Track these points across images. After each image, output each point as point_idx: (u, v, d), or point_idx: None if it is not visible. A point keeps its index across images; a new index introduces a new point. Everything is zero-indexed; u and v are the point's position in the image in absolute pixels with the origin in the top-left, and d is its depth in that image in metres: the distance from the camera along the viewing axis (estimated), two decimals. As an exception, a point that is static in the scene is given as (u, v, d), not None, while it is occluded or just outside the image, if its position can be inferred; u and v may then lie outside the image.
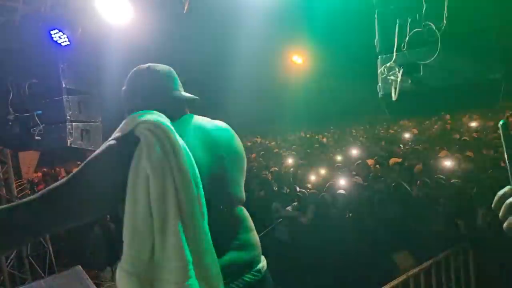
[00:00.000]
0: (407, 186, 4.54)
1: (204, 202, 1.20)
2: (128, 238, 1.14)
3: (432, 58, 1.73)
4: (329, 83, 19.27)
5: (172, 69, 1.53)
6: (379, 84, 1.99)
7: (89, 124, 3.89)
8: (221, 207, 1.32)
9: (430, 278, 3.60)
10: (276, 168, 7.76)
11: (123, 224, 1.16)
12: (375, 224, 4.11)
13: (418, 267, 3.54)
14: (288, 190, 5.91)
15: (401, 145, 8.77)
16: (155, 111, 1.29)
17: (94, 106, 4.00)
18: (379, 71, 1.97)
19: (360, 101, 18.76)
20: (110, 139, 1.25)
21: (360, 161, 6.88)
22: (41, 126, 3.66)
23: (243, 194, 1.45)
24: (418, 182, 4.53)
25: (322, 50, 17.64)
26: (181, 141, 1.22)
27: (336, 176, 6.03)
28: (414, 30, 1.79)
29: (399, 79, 1.81)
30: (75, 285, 2.87)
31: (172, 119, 1.30)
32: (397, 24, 1.87)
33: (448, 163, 5.13)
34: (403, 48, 1.85)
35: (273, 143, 16.02)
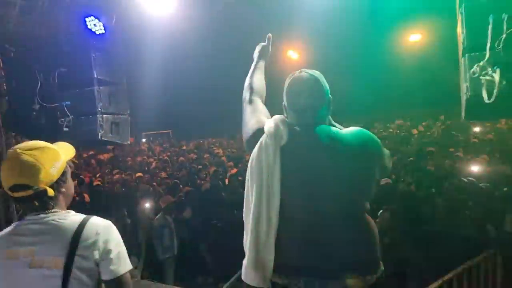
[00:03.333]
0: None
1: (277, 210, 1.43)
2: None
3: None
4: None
5: (319, 80, 1.58)
6: (467, 84, 1.92)
7: (118, 116, 3.74)
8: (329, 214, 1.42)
9: (462, 284, 3.62)
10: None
11: None
12: (404, 227, 4.11)
13: (452, 272, 3.55)
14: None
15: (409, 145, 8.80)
16: (280, 117, 1.55)
17: (122, 98, 3.85)
18: (471, 71, 1.89)
19: (353, 99, 18.95)
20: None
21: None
22: (70, 117, 3.50)
23: (357, 206, 1.47)
24: (447, 184, 4.55)
25: (318, 45, 17.62)
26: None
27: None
28: (512, 29, 1.72)
29: (497, 80, 1.75)
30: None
31: (305, 126, 1.52)
32: (491, 20, 1.79)
33: (474, 165, 5.17)
34: (498, 46, 1.78)
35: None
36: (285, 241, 1.43)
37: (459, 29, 2.06)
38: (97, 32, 3.34)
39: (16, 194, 1.27)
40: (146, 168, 9.22)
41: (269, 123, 1.52)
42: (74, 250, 1.26)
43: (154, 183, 7.21)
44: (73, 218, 1.33)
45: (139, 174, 7.63)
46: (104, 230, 1.32)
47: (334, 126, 1.60)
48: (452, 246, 3.91)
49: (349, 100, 18.64)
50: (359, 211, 1.48)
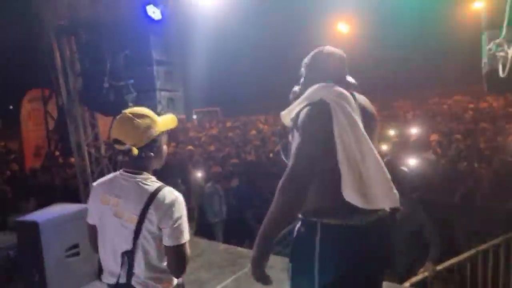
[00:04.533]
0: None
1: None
2: (345, 167, 1.57)
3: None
4: (375, 53, 18.34)
5: (344, 56, 1.82)
6: (485, 60, 2.03)
7: (173, 93, 4.21)
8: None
9: (499, 254, 3.67)
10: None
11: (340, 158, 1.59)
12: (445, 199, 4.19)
13: (488, 243, 3.62)
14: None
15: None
16: (335, 84, 1.68)
17: (177, 77, 4.30)
18: (487, 47, 2.00)
19: (407, 73, 17.94)
20: (304, 105, 1.65)
21: (418, 136, 6.79)
22: (134, 94, 4.02)
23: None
24: (496, 159, 4.51)
25: (369, 16, 16.76)
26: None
27: (394, 151, 6.04)
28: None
29: (510, 56, 1.85)
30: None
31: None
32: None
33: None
34: None
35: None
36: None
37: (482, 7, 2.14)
38: (156, 18, 3.76)
39: (116, 146, 1.55)
40: (197, 142, 9.89)
41: (334, 90, 1.65)
42: (145, 213, 1.46)
43: (204, 155, 7.81)
44: (152, 184, 1.53)
45: (190, 147, 8.28)
46: (170, 202, 1.48)
47: None
48: (493, 219, 3.93)
49: (403, 74, 17.82)
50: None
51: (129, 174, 1.56)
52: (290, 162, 1.55)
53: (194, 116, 22.15)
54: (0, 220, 4.90)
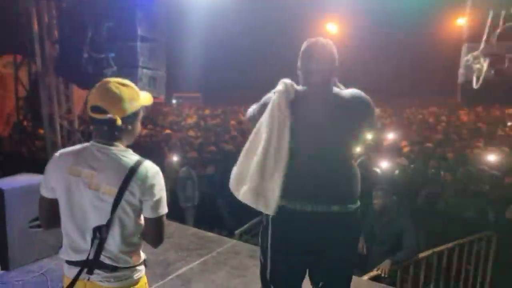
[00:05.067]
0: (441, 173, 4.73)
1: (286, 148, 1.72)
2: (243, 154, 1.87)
3: (521, 52, 1.85)
4: (362, 59, 18.62)
5: (330, 48, 1.85)
6: (461, 71, 2.13)
7: (156, 72, 4.12)
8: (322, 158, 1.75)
9: (452, 257, 3.89)
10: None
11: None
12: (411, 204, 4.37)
13: (444, 245, 3.82)
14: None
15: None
16: (289, 81, 1.79)
17: (161, 56, 4.21)
18: (465, 58, 2.10)
19: (388, 80, 18.41)
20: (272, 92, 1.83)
21: (392, 142, 7.01)
22: (114, 68, 3.91)
23: (347, 153, 1.81)
24: (461, 169, 4.74)
25: (357, 20, 16.98)
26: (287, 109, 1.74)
27: (367, 153, 6.21)
28: (508, 24, 1.89)
29: (484, 69, 1.94)
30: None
31: (313, 85, 1.80)
32: (490, 15, 1.95)
33: (491, 155, 5.28)
34: (493, 39, 1.96)
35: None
36: (292, 175, 1.72)
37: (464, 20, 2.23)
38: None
39: (94, 115, 1.44)
40: (175, 127, 9.77)
41: (279, 84, 1.79)
42: (126, 185, 1.41)
43: (182, 141, 7.74)
44: (131, 156, 1.48)
45: (168, 130, 8.18)
46: (152, 175, 1.46)
47: (338, 87, 1.87)
48: (452, 224, 4.14)
49: (383, 80, 18.25)
50: (349, 155, 1.83)
51: (103, 146, 1.48)
52: None
53: (174, 101, 21.72)
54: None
